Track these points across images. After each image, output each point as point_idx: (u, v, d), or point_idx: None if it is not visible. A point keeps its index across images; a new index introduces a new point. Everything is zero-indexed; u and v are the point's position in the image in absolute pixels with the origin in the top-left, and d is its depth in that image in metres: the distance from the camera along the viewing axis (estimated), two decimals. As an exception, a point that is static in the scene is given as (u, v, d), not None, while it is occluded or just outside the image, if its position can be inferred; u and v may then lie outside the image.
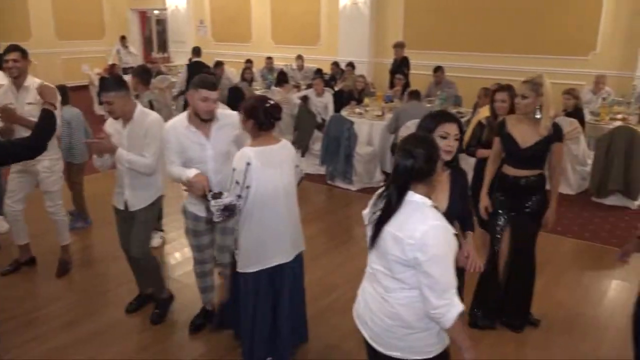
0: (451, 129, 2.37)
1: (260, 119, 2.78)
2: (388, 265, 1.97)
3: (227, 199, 2.69)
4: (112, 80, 3.43)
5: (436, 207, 1.98)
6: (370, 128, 7.01)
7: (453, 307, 1.89)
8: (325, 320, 3.74)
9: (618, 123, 6.34)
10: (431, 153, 1.93)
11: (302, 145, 7.34)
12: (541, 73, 3.27)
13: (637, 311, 2.76)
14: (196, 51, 9.92)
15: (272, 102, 2.85)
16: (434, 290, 1.87)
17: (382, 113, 7.20)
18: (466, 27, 9.93)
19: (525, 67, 8.91)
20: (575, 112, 6.32)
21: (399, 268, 1.94)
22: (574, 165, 6.34)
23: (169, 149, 3.11)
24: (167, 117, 3.84)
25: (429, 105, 7.50)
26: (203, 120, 3.07)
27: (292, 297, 3.08)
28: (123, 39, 12.50)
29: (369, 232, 2.06)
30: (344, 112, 7.37)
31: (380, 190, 2.10)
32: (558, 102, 6.98)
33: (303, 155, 7.37)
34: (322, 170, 7.01)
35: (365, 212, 2.13)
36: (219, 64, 9.30)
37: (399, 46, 9.07)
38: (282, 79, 8.85)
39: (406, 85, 8.45)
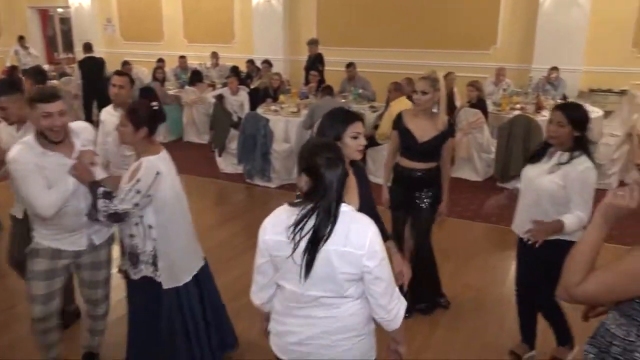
0: (360, 127, 2.31)
1: (152, 125, 2.63)
2: (336, 286, 1.83)
3: (121, 206, 2.51)
4: (3, 83, 3.20)
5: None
6: (286, 125, 7.03)
7: (402, 305, 1.93)
8: (243, 319, 3.72)
9: (517, 112, 6.78)
10: (342, 156, 1.87)
11: (218, 144, 7.24)
12: (434, 69, 3.38)
13: (518, 290, 3.14)
14: (87, 47, 9.60)
15: (155, 104, 2.68)
16: (386, 293, 1.86)
17: (297, 109, 7.25)
18: (377, 24, 10.21)
19: (432, 61, 9.29)
20: (479, 103, 6.69)
21: (348, 284, 1.84)
22: (480, 153, 6.70)
23: (30, 184, 2.52)
24: (72, 118, 3.62)
25: (343, 100, 7.64)
26: (53, 141, 2.57)
27: (213, 300, 3.04)
28: (21, 39, 11.72)
29: (294, 261, 1.81)
30: (259, 110, 7.34)
31: (300, 214, 1.80)
32: (463, 94, 7.38)
33: (220, 154, 7.26)
34: (240, 169, 6.95)
35: (274, 240, 1.85)
36: (125, 64, 8.98)
37: (312, 43, 9.17)
38: (195, 78, 8.69)
39: (321, 81, 8.55)
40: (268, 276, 1.94)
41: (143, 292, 2.78)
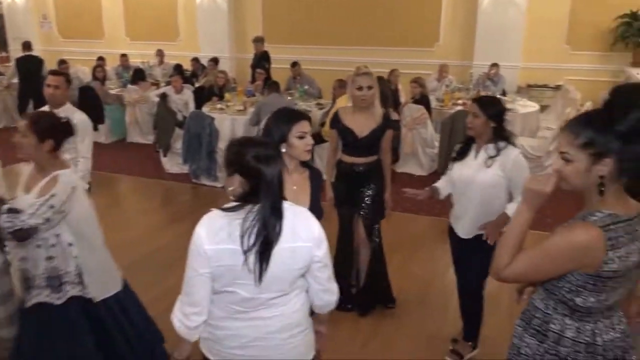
0: (306, 126, 2.25)
1: (60, 138, 2.45)
2: (287, 284, 1.82)
3: (30, 220, 2.29)
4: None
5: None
6: (232, 123, 6.95)
7: (337, 286, 2.00)
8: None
9: (459, 108, 6.96)
10: (277, 151, 1.88)
11: (163, 144, 7.08)
12: (366, 64, 3.41)
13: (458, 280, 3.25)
14: (26, 45, 9.26)
15: (64, 118, 2.54)
16: (331, 277, 1.93)
17: (244, 108, 7.18)
18: (323, 22, 10.25)
19: (377, 58, 9.44)
20: (422, 99, 6.83)
21: (297, 278, 1.85)
22: (424, 148, 6.85)
23: None
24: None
25: (289, 98, 7.64)
26: None
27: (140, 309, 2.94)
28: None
29: (248, 267, 1.73)
30: (205, 109, 7.22)
31: (249, 219, 1.73)
32: (407, 91, 7.51)
33: (165, 154, 7.11)
34: (185, 169, 6.82)
35: (216, 249, 1.74)
36: (62, 63, 8.66)
37: (258, 41, 9.11)
38: (138, 76, 8.47)
39: (267, 79, 8.50)
40: (206, 289, 1.80)
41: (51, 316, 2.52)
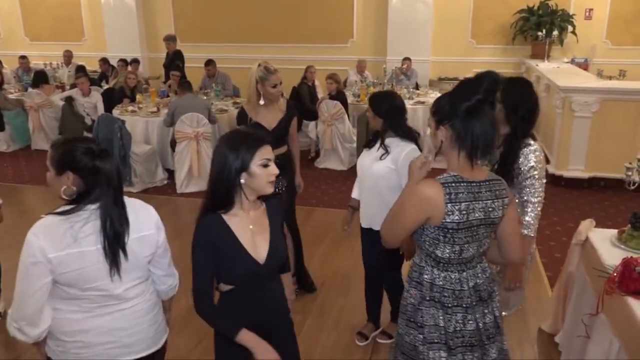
0: (269, 152, 1.92)
1: None
2: (141, 272, 1.90)
3: None
4: None
5: None
6: (146, 125, 6.70)
7: (176, 271, 2.09)
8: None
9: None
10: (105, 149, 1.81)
11: (71, 150, 6.68)
12: (267, 61, 3.49)
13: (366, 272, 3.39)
14: None
15: None
16: (171, 263, 2.03)
17: (157, 109, 6.94)
18: (236, 19, 10.13)
19: (293, 55, 9.47)
20: (338, 95, 6.92)
21: (145, 267, 1.92)
22: (343, 144, 6.95)
23: None
24: None
25: (205, 97, 7.47)
26: None
27: None
28: None
29: (102, 265, 1.73)
30: (115, 111, 6.90)
31: (89, 219, 1.71)
32: (323, 87, 7.58)
33: (74, 161, 6.71)
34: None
35: (62, 255, 1.69)
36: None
37: (169, 39, 8.82)
38: (40, 79, 7.95)
39: (182, 79, 8.25)
40: (44, 300, 1.74)
41: None
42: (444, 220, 1.80)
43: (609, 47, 9.23)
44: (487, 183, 1.87)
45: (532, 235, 2.54)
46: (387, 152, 2.93)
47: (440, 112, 1.86)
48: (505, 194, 1.91)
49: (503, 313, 2.39)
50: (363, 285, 4.04)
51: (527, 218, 2.51)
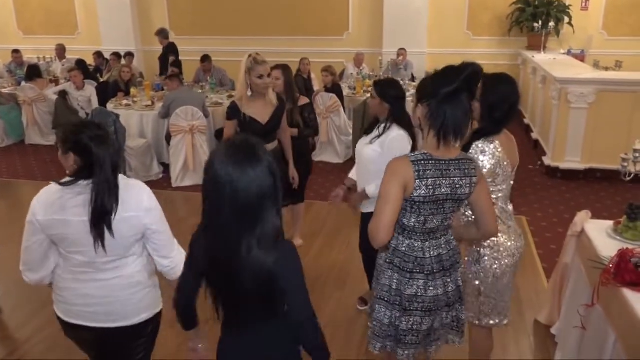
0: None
1: None
2: (124, 250, 2.01)
3: None
4: None
5: None
6: (141, 119, 6.66)
7: (181, 255, 2.09)
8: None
9: (370, 94, 7.08)
10: (108, 134, 2.00)
11: (65, 145, 6.64)
12: (258, 52, 3.46)
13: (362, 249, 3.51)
14: None
15: None
16: (167, 244, 2.10)
17: (152, 102, 6.89)
18: (231, 12, 10.06)
19: (289, 48, 9.42)
20: (334, 88, 6.88)
21: (133, 244, 2.04)
22: (339, 136, 6.92)
23: None
24: None
25: (200, 91, 7.43)
26: None
27: None
28: None
29: (88, 235, 1.89)
30: (110, 105, 6.86)
31: (81, 192, 1.89)
32: (319, 79, 7.54)
33: (68, 156, 6.67)
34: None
35: (49, 220, 1.91)
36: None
37: (160, 33, 8.77)
38: (33, 73, 7.89)
39: (180, 73, 8.18)
40: (40, 253, 2.00)
41: None
42: (412, 194, 1.94)
43: (606, 38, 9.21)
44: (456, 162, 1.98)
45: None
46: (378, 136, 3.02)
47: (421, 91, 2.01)
48: (474, 173, 2.01)
49: (504, 322, 2.55)
50: (359, 279, 4.06)
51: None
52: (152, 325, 2.18)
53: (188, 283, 1.76)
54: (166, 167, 6.56)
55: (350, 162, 6.92)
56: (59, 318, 2.13)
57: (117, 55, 8.92)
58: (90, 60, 9.73)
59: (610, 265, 2.33)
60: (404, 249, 2.06)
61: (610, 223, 2.78)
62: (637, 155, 2.72)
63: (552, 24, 8.79)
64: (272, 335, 1.70)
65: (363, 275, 4.07)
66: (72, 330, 2.13)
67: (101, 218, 1.87)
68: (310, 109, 4.28)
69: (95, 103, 7.22)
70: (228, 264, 1.57)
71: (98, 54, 9.60)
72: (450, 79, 1.88)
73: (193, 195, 5.98)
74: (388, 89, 3.06)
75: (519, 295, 3.78)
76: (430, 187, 1.93)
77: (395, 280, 2.08)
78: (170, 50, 8.66)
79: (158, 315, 2.22)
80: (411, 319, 2.08)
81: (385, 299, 2.12)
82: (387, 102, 3.01)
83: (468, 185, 1.99)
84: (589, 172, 6.08)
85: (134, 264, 2.08)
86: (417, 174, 1.91)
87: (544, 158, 6.48)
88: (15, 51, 9.67)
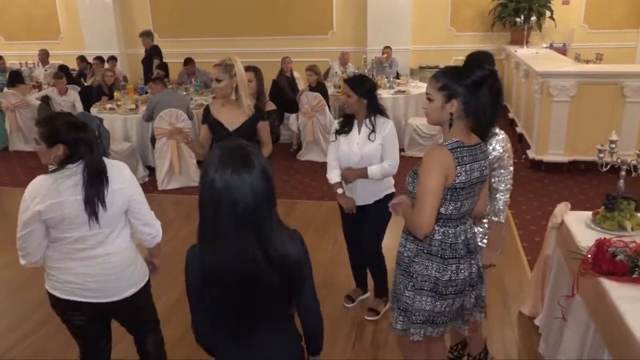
0: None
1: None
2: (113, 221, 2.23)
3: None
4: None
5: None
6: (124, 123, 6.62)
7: (158, 223, 2.43)
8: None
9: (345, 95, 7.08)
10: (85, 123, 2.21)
11: (49, 150, 6.59)
12: (231, 55, 3.25)
13: (349, 247, 3.59)
14: None
15: None
16: (148, 212, 2.36)
17: (136, 106, 6.86)
18: (214, 13, 10.03)
19: (274, 48, 9.41)
20: (318, 87, 6.89)
21: (120, 217, 2.27)
22: (325, 135, 6.91)
23: None
24: None
25: (184, 93, 7.41)
26: None
27: None
28: None
29: (82, 212, 2.12)
30: (93, 109, 6.82)
31: (73, 174, 2.11)
32: (304, 79, 7.54)
33: (53, 161, 6.62)
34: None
35: (47, 205, 2.10)
36: None
37: (144, 35, 8.72)
38: (15, 79, 7.82)
39: (166, 76, 8.14)
40: (37, 239, 2.18)
41: None
42: (454, 182, 2.02)
43: (587, 32, 9.30)
44: (478, 146, 2.12)
45: (502, 221, 2.57)
46: (373, 130, 3.11)
47: (450, 87, 2.01)
48: (488, 155, 2.23)
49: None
50: (346, 275, 4.07)
51: (497, 205, 2.53)
52: (143, 293, 2.42)
53: (201, 316, 1.65)
54: (152, 170, 6.53)
55: (337, 161, 6.94)
56: (53, 296, 2.29)
57: (100, 59, 8.86)
58: (73, 65, 9.67)
59: (589, 256, 2.36)
60: (439, 237, 2.14)
61: (589, 214, 2.82)
62: (613, 146, 2.75)
63: (534, 18, 8.86)
64: (276, 344, 1.69)
65: (349, 273, 4.09)
66: (68, 307, 2.29)
67: (94, 194, 2.11)
68: (276, 116, 4.22)
69: (79, 108, 7.18)
70: (251, 268, 1.50)
71: (81, 58, 9.54)
72: (474, 70, 2.00)
73: (180, 197, 5.96)
74: (362, 85, 3.10)
75: (504, 288, 3.81)
76: (468, 173, 2.04)
77: (432, 269, 2.15)
78: (154, 53, 8.61)
79: (147, 285, 2.45)
80: (445, 302, 2.18)
81: (425, 288, 2.17)
82: (364, 97, 3.07)
83: (487, 167, 2.17)
84: (572, 164, 6.14)
85: (120, 239, 2.29)
86: (457, 161, 2.01)
87: (528, 151, 6.54)
88: (-1, 57, 9.58)
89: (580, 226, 2.73)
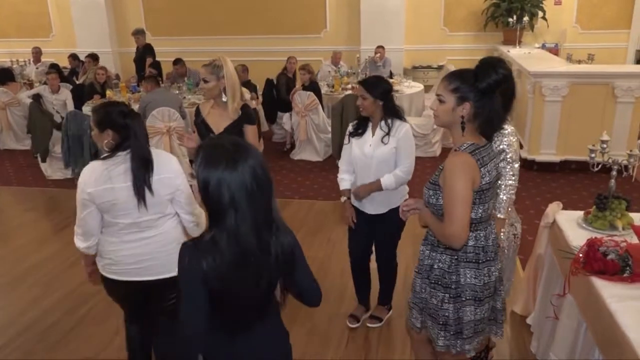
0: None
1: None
2: (161, 207, 2.38)
3: None
4: None
5: None
6: (117, 121, 6.57)
7: (203, 214, 2.46)
8: (82, 331, 3.50)
9: (348, 92, 7.10)
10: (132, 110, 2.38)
11: (40, 149, 6.56)
12: (221, 55, 3.16)
13: (354, 259, 3.46)
14: None
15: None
16: (191, 200, 2.45)
17: (128, 104, 6.80)
18: (207, 12, 10.00)
19: (268, 47, 9.42)
20: (311, 85, 6.88)
21: (167, 204, 2.39)
22: (318, 134, 6.92)
23: None
24: None
25: (177, 92, 7.38)
26: None
27: None
28: None
29: (131, 197, 2.27)
30: (85, 108, 6.77)
31: (123, 161, 2.27)
32: (297, 78, 7.53)
33: (44, 160, 6.58)
34: (69, 174, 6.37)
35: (100, 190, 2.25)
36: None
37: (137, 33, 8.66)
38: (5, 76, 7.76)
39: (159, 74, 8.09)
40: (93, 222, 2.34)
41: None
42: (481, 184, 2.01)
43: (579, 32, 9.35)
44: (488, 146, 2.11)
45: (502, 217, 2.58)
46: (388, 133, 3.03)
47: (464, 90, 1.99)
48: (496, 152, 2.22)
49: None
50: (339, 274, 4.08)
51: (499, 200, 2.55)
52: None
53: (195, 306, 1.61)
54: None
55: (330, 160, 6.94)
56: (107, 279, 2.48)
57: (92, 56, 8.80)
58: (65, 63, 9.60)
59: (580, 255, 2.37)
60: (472, 242, 2.11)
61: (580, 213, 2.83)
62: (605, 146, 2.77)
63: (526, 18, 8.90)
64: (268, 334, 1.77)
65: (342, 272, 4.10)
66: (120, 287, 2.48)
67: (142, 180, 2.26)
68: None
69: (70, 106, 7.12)
70: (258, 261, 1.56)
71: (73, 57, 9.46)
72: (490, 74, 1.96)
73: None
74: (378, 86, 3.02)
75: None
76: (490, 172, 2.05)
77: (470, 276, 2.11)
78: (147, 51, 8.57)
79: None
80: (484, 308, 2.15)
81: (466, 297, 2.12)
82: (380, 99, 3.00)
83: (499, 163, 2.19)
84: (564, 164, 6.18)
85: (169, 221, 2.44)
86: (479, 162, 2.00)
87: (520, 151, 6.56)
88: (-10, 55, 9.49)
89: (572, 225, 2.75)
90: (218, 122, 3.20)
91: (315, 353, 3.26)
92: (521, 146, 6.65)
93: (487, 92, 1.97)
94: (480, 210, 2.07)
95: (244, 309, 1.65)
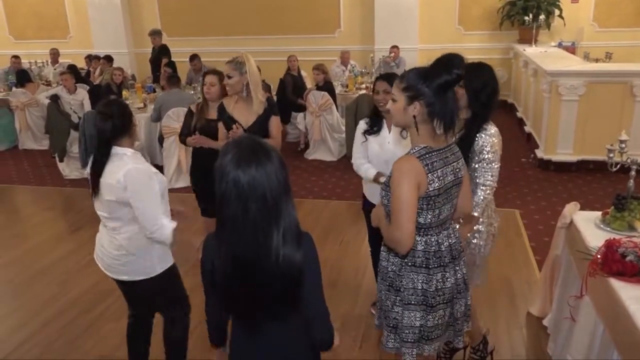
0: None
1: None
2: (108, 209, 2.45)
3: None
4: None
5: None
6: (133, 122, 6.63)
7: (164, 228, 2.42)
8: (98, 329, 3.54)
9: (362, 91, 7.09)
10: (124, 111, 2.47)
11: (57, 149, 6.65)
12: (245, 52, 3.28)
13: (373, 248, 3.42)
14: None
15: None
16: (145, 218, 2.39)
17: (144, 105, 6.89)
18: (222, 12, 10.05)
19: (282, 47, 9.41)
20: (326, 85, 6.88)
21: (115, 208, 2.43)
22: (332, 134, 6.92)
23: None
24: None
25: (192, 92, 7.42)
26: None
27: None
28: None
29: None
30: (102, 108, 6.83)
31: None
32: (311, 78, 7.54)
33: (61, 160, 6.67)
34: (86, 174, 6.41)
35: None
36: None
37: (154, 34, 8.73)
38: (23, 77, 7.88)
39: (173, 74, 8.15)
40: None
41: None
42: (427, 190, 1.94)
43: (596, 30, 9.22)
44: (448, 148, 2.03)
45: (477, 215, 2.55)
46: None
47: (414, 89, 1.92)
48: (460, 155, 2.11)
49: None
50: (352, 274, 4.08)
51: (475, 199, 2.51)
52: (140, 286, 2.58)
53: (214, 308, 1.77)
54: (160, 169, 6.52)
55: (344, 160, 6.93)
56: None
57: (107, 58, 8.89)
58: (82, 64, 9.71)
59: (598, 256, 2.34)
60: (422, 247, 2.04)
61: (598, 214, 2.80)
62: (623, 146, 2.73)
63: (542, 16, 8.80)
64: (289, 335, 1.70)
65: (356, 272, 4.11)
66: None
67: (93, 177, 2.44)
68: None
69: (87, 107, 7.19)
70: (257, 266, 1.53)
71: (89, 58, 9.57)
72: (441, 73, 1.87)
73: (188, 196, 5.96)
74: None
75: (512, 288, 3.80)
76: (441, 178, 1.95)
77: (419, 281, 2.06)
78: (163, 51, 8.64)
79: (146, 281, 2.57)
80: (436, 314, 2.08)
81: (413, 302, 2.07)
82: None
83: (462, 167, 2.09)
84: (581, 163, 6.10)
85: (122, 230, 2.49)
86: (427, 168, 1.92)
87: (536, 151, 6.50)
88: (15, 57, 9.57)
89: (590, 226, 2.71)
90: (245, 116, 3.32)
91: (330, 353, 3.25)
92: (537, 146, 6.58)
93: (438, 91, 1.88)
94: (430, 216, 1.99)
95: (250, 309, 1.63)
